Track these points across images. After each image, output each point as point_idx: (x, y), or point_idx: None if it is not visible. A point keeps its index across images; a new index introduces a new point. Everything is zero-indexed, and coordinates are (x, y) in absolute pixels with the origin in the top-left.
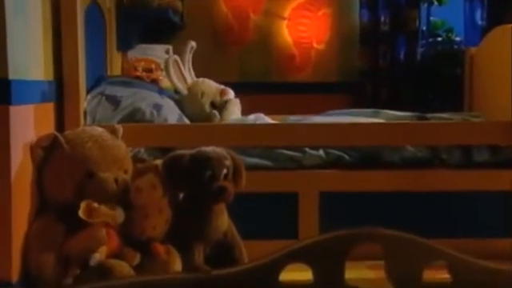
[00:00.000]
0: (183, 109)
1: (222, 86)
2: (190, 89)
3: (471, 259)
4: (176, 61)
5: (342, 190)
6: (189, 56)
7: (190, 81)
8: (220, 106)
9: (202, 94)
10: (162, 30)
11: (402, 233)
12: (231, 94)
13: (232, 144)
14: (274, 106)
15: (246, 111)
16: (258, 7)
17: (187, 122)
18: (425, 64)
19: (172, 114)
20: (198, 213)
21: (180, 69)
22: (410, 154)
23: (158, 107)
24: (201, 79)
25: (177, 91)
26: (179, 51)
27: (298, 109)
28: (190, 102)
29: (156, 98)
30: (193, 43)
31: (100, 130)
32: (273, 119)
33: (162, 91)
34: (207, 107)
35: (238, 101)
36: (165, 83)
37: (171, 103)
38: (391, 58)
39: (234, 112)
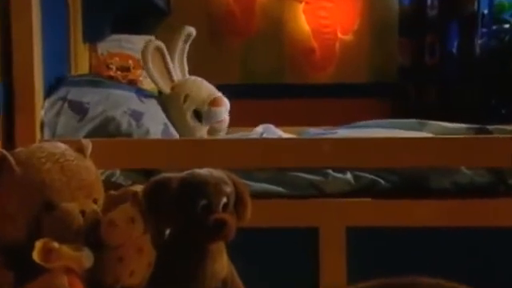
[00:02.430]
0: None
1: (218, 94)
2: (173, 88)
3: None
4: (158, 49)
5: (375, 224)
6: (183, 46)
7: (179, 78)
8: (206, 118)
9: (186, 97)
10: (143, 16)
11: (455, 284)
12: (225, 105)
13: (234, 165)
14: (288, 115)
15: (251, 122)
16: None
17: (176, 134)
18: (486, 59)
19: (155, 124)
20: (190, 254)
21: (165, 61)
22: (466, 179)
23: (137, 115)
24: (192, 78)
25: (160, 92)
26: (166, 40)
27: (318, 119)
28: (171, 107)
29: (134, 102)
30: (190, 29)
31: (62, 146)
32: (285, 132)
33: (141, 92)
34: (189, 116)
35: (226, 119)
36: (147, 85)
37: (154, 109)
38: (441, 52)
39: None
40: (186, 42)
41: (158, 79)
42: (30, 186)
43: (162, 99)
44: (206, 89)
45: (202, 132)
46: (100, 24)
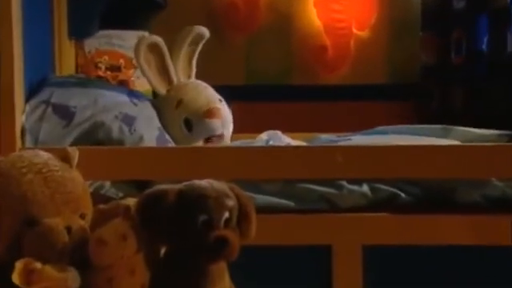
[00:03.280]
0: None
1: (218, 105)
2: (169, 90)
3: None
4: (155, 45)
5: (394, 242)
6: (191, 48)
7: (180, 81)
8: (197, 130)
9: (180, 102)
10: (135, 9)
11: None
12: (222, 118)
13: (237, 176)
14: (296, 120)
15: (255, 127)
16: None
17: (172, 143)
18: None
19: (150, 130)
20: (188, 275)
21: (163, 58)
22: (498, 192)
23: (129, 120)
24: (196, 82)
25: (155, 94)
26: (169, 37)
27: (330, 124)
28: (164, 111)
29: (126, 106)
30: (201, 30)
31: (45, 155)
32: (294, 139)
33: (134, 94)
34: (178, 125)
35: (225, 136)
36: (140, 87)
37: (149, 113)
38: (468, 50)
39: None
40: (196, 43)
41: (151, 77)
42: (10, 200)
43: (157, 101)
44: (205, 96)
45: (194, 144)
46: (87, 18)
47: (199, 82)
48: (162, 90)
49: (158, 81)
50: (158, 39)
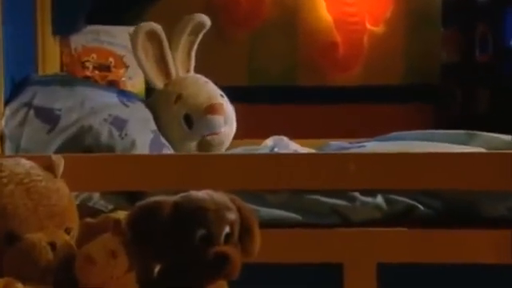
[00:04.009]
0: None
1: (221, 100)
2: (167, 85)
3: None
4: (154, 33)
5: (412, 260)
6: (191, 38)
7: (179, 75)
8: (197, 127)
9: (179, 97)
10: (126, 3)
11: None
12: (225, 115)
13: (239, 186)
14: (304, 125)
15: (259, 132)
16: None
17: (168, 145)
18: None
19: (143, 134)
20: None
21: (162, 49)
22: None
23: (119, 123)
24: (195, 76)
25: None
26: (166, 28)
27: (341, 129)
28: (160, 107)
29: (117, 107)
30: (201, 18)
31: (27, 164)
32: (302, 146)
33: (125, 95)
34: (177, 121)
35: (225, 133)
36: (132, 87)
37: (141, 115)
38: (495, 46)
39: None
40: (195, 33)
41: (148, 69)
42: None
43: (152, 99)
44: (207, 91)
45: (192, 143)
46: (73, 12)
47: (199, 76)
48: (159, 83)
49: (156, 73)
50: (158, 27)
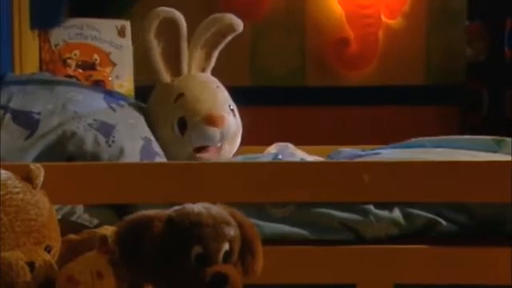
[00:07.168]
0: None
1: (225, 112)
2: (173, 80)
3: None
4: (173, 21)
5: (433, 281)
6: (214, 39)
7: (191, 73)
8: (190, 134)
9: (179, 97)
10: None
11: None
12: (224, 128)
13: (239, 199)
14: (312, 130)
15: (261, 138)
16: None
17: (161, 152)
18: None
19: (132, 140)
20: None
21: (179, 41)
22: None
23: (106, 129)
24: (205, 76)
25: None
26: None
27: (354, 134)
28: (160, 103)
29: (103, 111)
30: (234, 20)
31: (3, 174)
32: (309, 153)
33: (112, 96)
34: (172, 122)
35: (222, 150)
36: (120, 88)
37: (131, 119)
38: None
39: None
40: (223, 34)
41: (157, 60)
42: None
43: (153, 93)
44: (212, 98)
45: (184, 150)
46: (54, 3)
47: (213, 79)
48: (165, 77)
49: (164, 66)
50: (180, 16)
